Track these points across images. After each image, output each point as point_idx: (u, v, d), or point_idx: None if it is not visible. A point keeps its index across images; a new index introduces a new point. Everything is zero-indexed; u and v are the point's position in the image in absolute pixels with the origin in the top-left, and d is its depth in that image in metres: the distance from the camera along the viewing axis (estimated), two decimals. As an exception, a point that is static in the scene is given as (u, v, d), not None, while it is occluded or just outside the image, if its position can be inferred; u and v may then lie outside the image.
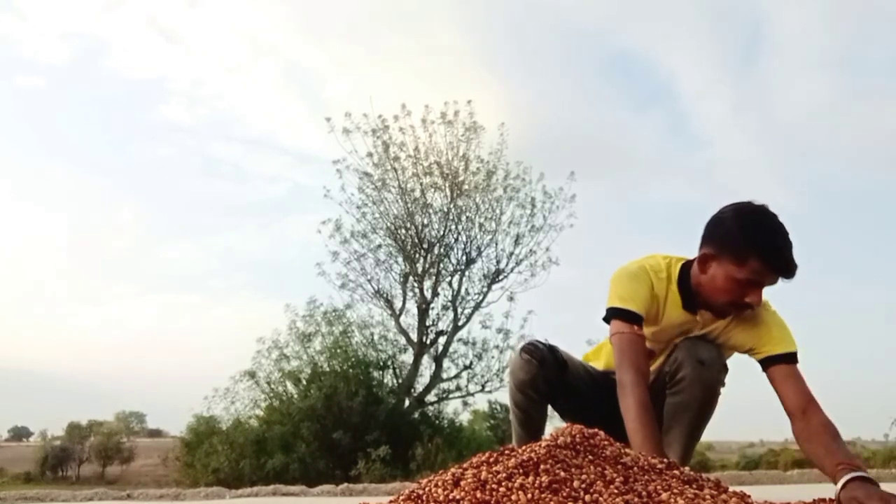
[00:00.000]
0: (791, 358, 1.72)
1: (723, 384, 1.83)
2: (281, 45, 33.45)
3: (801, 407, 1.65)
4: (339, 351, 12.68)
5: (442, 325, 12.74)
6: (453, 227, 12.40)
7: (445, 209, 12.36)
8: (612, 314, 1.72)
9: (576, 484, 1.22)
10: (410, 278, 12.46)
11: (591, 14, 33.22)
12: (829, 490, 1.56)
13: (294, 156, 38.09)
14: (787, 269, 1.63)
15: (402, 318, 12.61)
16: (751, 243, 1.62)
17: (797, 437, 1.66)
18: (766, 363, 1.74)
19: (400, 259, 12.55)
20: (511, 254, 12.48)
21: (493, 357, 12.69)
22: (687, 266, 1.78)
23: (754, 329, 1.76)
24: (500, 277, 12.57)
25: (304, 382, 12.72)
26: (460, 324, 12.69)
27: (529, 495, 1.19)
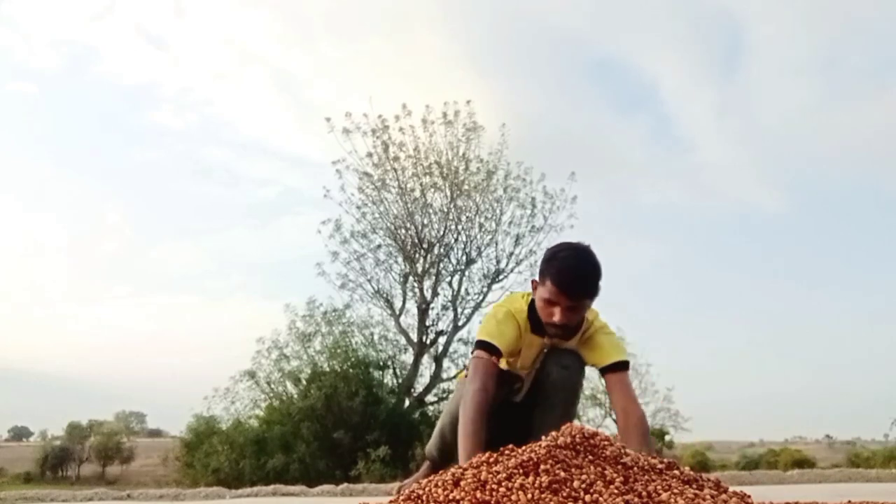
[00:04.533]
0: (618, 366, 2.05)
1: (581, 384, 2.16)
2: (268, 50, 33.57)
3: (624, 407, 1.98)
4: (339, 351, 12.67)
5: (442, 325, 12.74)
6: (453, 227, 12.40)
7: (445, 209, 12.35)
8: (478, 345, 2.01)
9: (576, 484, 1.22)
10: (410, 278, 12.45)
11: (573, 21, 33.30)
12: (829, 490, 1.56)
13: (284, 159, 38.25)
14: (570, 288, 1.90)
15: (402, 318, 12.61)
16: (548, 268, 1.94)
17: (618, 431, 1.97)
18: (602, 372, 2.07)
19: (400, 259, 12.55)
20: (511, 254, 12.48)
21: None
22: None
23: (593, 348, 2.10)
24: (500, 277, 12.57)
25: (304, 382, 12.71)
26: (460, 324, 12.69)
27: (529, 495, 1.19)
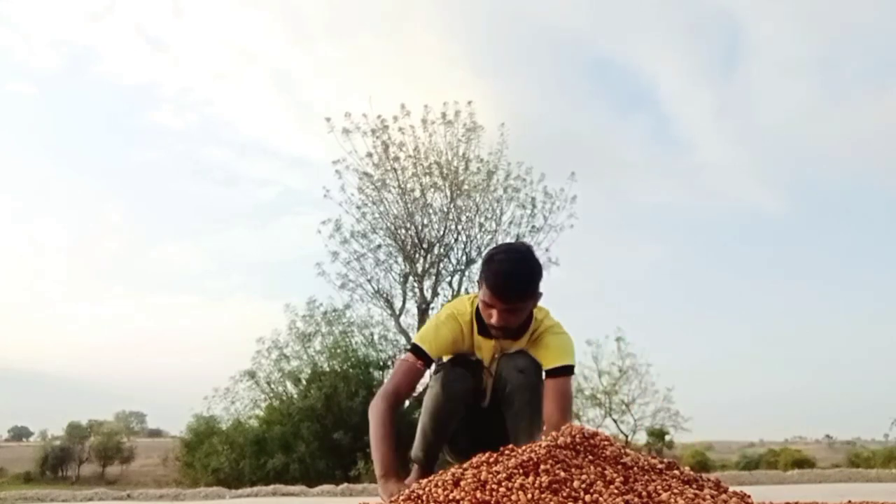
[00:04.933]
0: (559, 371, 2.03)
1: (541, 382, 2.10)
2: (267, 50, 33.56)
3: (549, 416, 1.95)
4: (339, 351, 12.68)
5: (442, 325, 12.70)
6: (453, 227, 12.38)
7: (445, 209, 12.34)
8: (409, 347, 2.07)
9: (576, 484, 1.22)
10: (410, 278, 12.45)
11: (571, 21, 33.25)
12: (829, 490, 1.56)
13: (284, 159, 38.26)
14: (503, 292, 1.93)
15: (402, 318, 12.58)
16: (485, 272, 1.97)
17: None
18: (545, 375, 2.05)
19: (400, 259, 12.54)
20: (511, 254, 12.48)
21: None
22: None
23: (539, 349, 2.08)
24: (501, 277, 12.56)
25: (304, 382, 12.72)
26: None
27: (529, 495, 1.19)
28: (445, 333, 2.06)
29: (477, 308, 2.07)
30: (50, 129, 42.16)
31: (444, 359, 2.20)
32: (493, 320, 1.96)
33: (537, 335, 2.09)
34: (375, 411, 1.96)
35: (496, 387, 2.11)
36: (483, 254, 2.15)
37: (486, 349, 2.10)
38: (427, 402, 2.12)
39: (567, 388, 2.03)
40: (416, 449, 2.22)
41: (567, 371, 2.04)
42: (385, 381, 2.06)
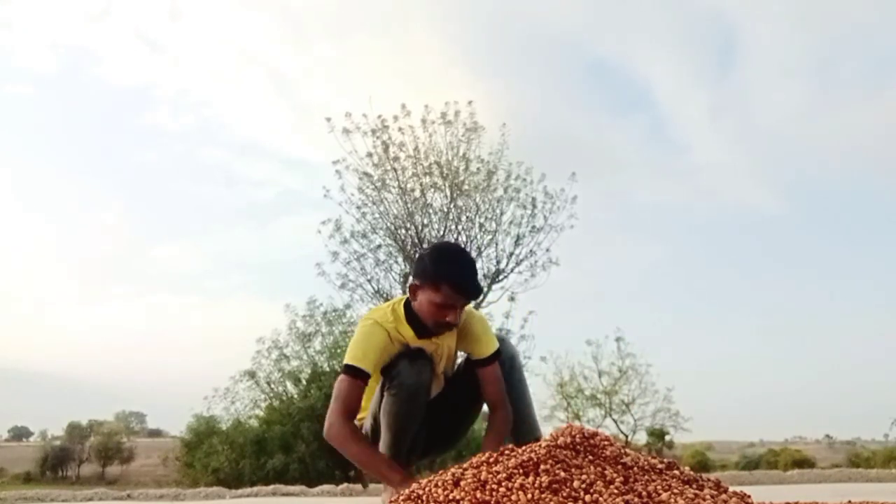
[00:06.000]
0: (491, 359, 2.12)
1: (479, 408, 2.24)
2: (265, 52, 33.61)
3: (494, 405, 2.09)
4: (339, 351, 12.66)
5: (442, 325, 12.70)
6: (453, 227, 12.37)
7: (445, 209, 12.33)
8: (343, 369, 2.02)
9: (576, 484, 1.22)
10: (410, 278, 12.44)
11: (568, 23, 33.38)
12: (829, 490, 1.56)
13: (282, 160, 38.40)
14: (470, 291, 2.00)
15: (401, 318, 12.56)
16: (441, 273, 1.97)
17: (487, 426, 2.10)
18: (477, 364, 2.12)
19: (400, 259, 12.51)
20: (511, 254, 12.46)
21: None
22: (409, 302, 2.10)
23: (469, 337, 2.15)
24: (501, 277, 12.54)
25: (304, 382, 12.71)
26: (460, 324, 12.65)
27: (529, 495, 1.19)
28: (375, 343, 2.02)
29: (406, 311, 2.07)
30: (49, 131, 42.28)
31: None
32: (451, 319, 1.99)
33: (462, 324, 2.11)
34: (343, 435, 1.94)
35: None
36: (425, 251, 2.16)
37: (431, 349, 2.10)
38: (391, 403, 2.04)
39: (500, 373, 2.12)
40: (393, 455, 2.11)
41: (496, 356, 2.12)
42: (330, 407, 2.01)
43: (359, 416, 2.22)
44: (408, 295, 2.14)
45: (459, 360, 2.28)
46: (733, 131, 36.08)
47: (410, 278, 2.10)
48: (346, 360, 2.02)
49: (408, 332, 2.07)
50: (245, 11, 34.69)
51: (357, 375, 1.99)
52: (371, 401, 2.14)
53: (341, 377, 2.01)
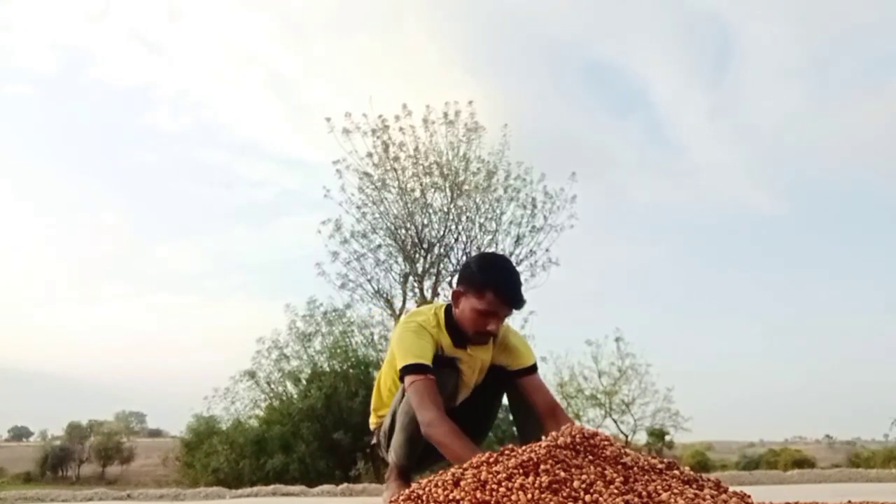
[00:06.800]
0: (534, 368, 2.16)
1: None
2: (263, 52, 33.64)
3: (551, 410, 2.09)
4: (339, 351, 12.67)
5: (442, 325, 12.70)
6: (453, 227, 12.37)
7: (445, 209, 12.34)
8: (407, 370, 1.96)
9: (576, 484, 1.22)
10: (410, 278, 12.44)
11: (567, 25, 33.44)
12: (829, 490, 1.56)
13: (280, 161, 38.53)
14: (515, 300, 2.02)
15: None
16: (487, 281, 1.98)
17: (545, 427, 2.02)
18: (519, 374, 2.14)
19: (400, 259, 12.52)
20: (511, 254, 12.46)
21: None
22: (449, 309, 2.11)
23: (509, 351, 2.17)
24: (501, 277, 12.55)
25: (304, 382, 12.71)
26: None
27: (529, 495, 1.19)
28: (425, 345, 2.01)
29: (447, 318, 2.08)
30: (48, 131, 42.33)
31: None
32: (493, 328, 2.00)
33: (500, 339, 2.15)
34: (445, 431, 1.83)
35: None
36: (471, 258, 2.19)
37: (465, 360, 2.11)
38: (406, 404, 2.01)
39: (544, 382, 2.18)
40: (400, 457, 2.14)
41: (537, 367, 2.18)
42: (415, 409, 1.92)
43: (380, 413, 2.28)
44: (449, 301, 2.14)
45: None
46: (732, 131, 36.19)
47: (454, 285, 2.12)
48: (409, 361, 1.96)
49: (445, 340, 2.08)
50: (244, 12, 34.75)
51: (425, 371, 1.95)
52: (394, 399, 2.16)
53: (410, 379, 1.94)
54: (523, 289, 2.06)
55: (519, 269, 12.59)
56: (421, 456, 2.14)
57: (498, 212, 12.41)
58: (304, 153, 32.01)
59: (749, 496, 1.32)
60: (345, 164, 12.21)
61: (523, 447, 1.37)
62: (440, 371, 2.01)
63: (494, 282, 1.97)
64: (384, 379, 2.28)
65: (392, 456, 2.18)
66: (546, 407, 2.09)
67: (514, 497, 1.19)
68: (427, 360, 1.96)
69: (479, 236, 12.41)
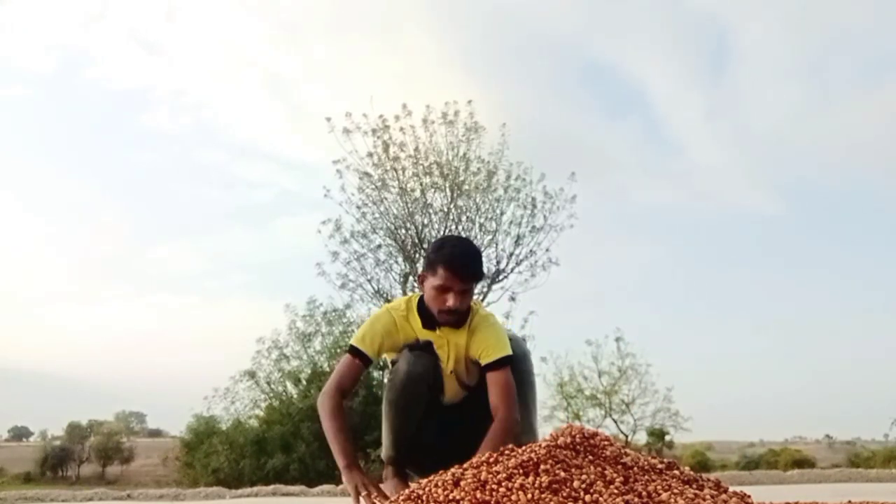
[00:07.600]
0: (498, 364, 2.06)
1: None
2: (262, 53, 33.62)
3: (494, 410, 2.00)
4: (338, 351, 12.67)
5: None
6: (453, 227, 12.36)
7: (445, 209, 12.33)
8: (347, 349, 2.13)
9: (576, 484, 1.22)
10: (410, 278, 12.44)
11: (565, 26, 33.37)
12: (829, 490, 1.56)
13: (280, 161, 38.57)
14: (464, 272, 2.02)
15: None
16: (437, 257, 2.04)
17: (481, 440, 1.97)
18: (485, 369, 2.08)
19: (400, 259, 12.52)
20: (511, 254, 12.46)
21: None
22: (423, 297, 2.14)
23: (479, 339, 2.11)
24: (500, 277, 12.54)
25: (304, 382, 12.71)
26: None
27: (529, 495, 1.19)
28: (378, 328, 2.11)
29: (419, 303, 2.12)
30: (47, 131, 42.35)
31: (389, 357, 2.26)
32: (451, 303, 2.01)
33: (474, 325, 2.13)
34: (325, 408, 2.02)
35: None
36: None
37: (437, 343, 2.12)
38: (388, 393, 2.16)
39: (508, 378, 2.04)
40: (386, 448, 2.25)
41: (506, 362, 2.06)
42: (330, 379, 2.11)
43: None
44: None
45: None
46: (729, 132, 36.19)
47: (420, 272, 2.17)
48: (351, 341, 2.13)
49: (416, 322, 2.12)
50: (242, 12, 34.73)
51: (356, 355, 2.09)
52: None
53: (344, 356, 2.13)
54: (479, 262, 2.09)
55: (519, 269, 12.60)
56: (421, 456, 2.16)
57: (498, 212, 12.41)
58: (303, 153, 31.99)
59: (749, 496, 1.32)
60: (345, 164, 12.21)
61: (523, 447, 1.37)
62: (416, 354, 2.08)
63: (443, 256, 2.02)
64: None
65: (382, 452, 2.27)
66: (492, 407, 2.02)
67: (514, 497, 1.19)
68: (365, 345, 2.08)
69: (479, 236, 12.41)
